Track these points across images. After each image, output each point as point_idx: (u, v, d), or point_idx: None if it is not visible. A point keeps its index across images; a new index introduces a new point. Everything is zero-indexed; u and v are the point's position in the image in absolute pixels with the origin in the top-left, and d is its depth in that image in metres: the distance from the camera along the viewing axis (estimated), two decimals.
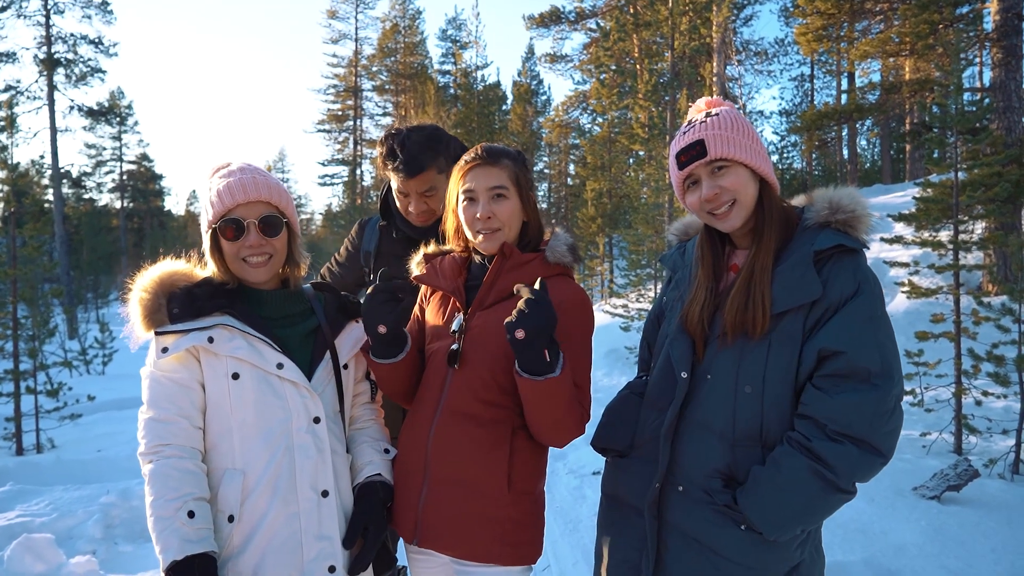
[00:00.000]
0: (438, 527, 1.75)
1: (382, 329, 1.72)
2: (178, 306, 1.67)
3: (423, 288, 2.03)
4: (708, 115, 1.67)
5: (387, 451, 1.92)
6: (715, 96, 1.82)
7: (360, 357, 1.93)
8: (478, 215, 1.80)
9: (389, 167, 2.25)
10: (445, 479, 1.76)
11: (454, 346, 1.80)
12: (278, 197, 1.76)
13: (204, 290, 1.71)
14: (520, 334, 1.53)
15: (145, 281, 1.72)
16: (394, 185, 2.29)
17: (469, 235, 1.86)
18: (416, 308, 2.02)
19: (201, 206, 1.80)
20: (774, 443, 1.59)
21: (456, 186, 1.86)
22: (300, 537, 1.66)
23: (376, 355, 1.81)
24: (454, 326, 1.81)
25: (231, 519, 1.64)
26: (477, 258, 1.91)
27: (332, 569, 1.69)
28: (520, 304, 1.56)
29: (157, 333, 1.66)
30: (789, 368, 1.57)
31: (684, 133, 1.68)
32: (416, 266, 1.98)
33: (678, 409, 1.68)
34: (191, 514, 1.54)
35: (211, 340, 1.66)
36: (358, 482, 1.82)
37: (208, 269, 1.80)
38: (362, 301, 1.78)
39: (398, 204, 2.33)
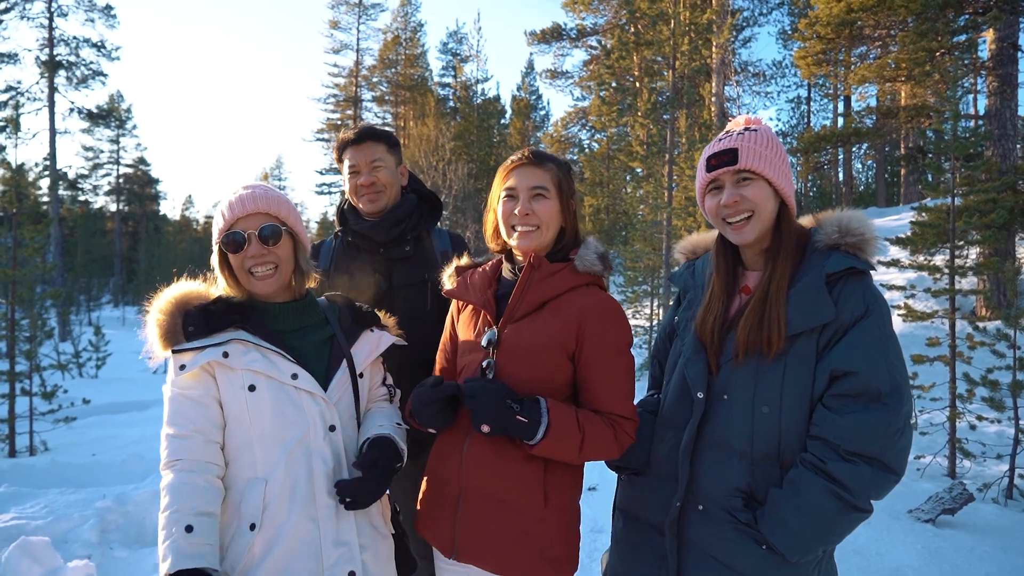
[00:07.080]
0: (477, 543, 1.77)
1: (432, 431, 1.86)
2: (193, 324, 1.72)
3: (454, 302, 2.03)
4: (747, 129, 1.71)
5: (399, 424, 1.92)
6: (721, 115, 1.86)
7: (376, 365, 1.97)
8: (516, 211, 1.82)
9: (344, 138, 2.50)
10: (482, 494, 1.77)
11: (486, 361, 1.80)
12: (277, 208, 1.80)
13: (218, 307, 1.76)
14: (485, 428, 1.68)
15: (161, 303, 1.77)
16: (347, 167, 2.49)
17: (504, 233, 1.87)
18: (448, 321, 2.04)
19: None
20: (791, 462, 1.61)
21: (499, 185, 1.88)
22: (319, 543, 1.70)
23: (424, 425, 1.86)
24: (484, 341, 1.82)
25: (252, 527, 1.67)
26: (507, 270, 1.91)
27: (352, 574, 1.72)
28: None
29: (174, 351, 1.71)
30: (804, 388, 1.59)
31: (719, 140, 1.72)
32: (448, 279, 2.00)
33: (695, 428, 1.70)
34: (189, 528, 1.57)
35: (226, 355, 1.71)
36: (368, 437, 1.80)
37: (221, 287, 1.85)
38: (412, 398, 1.82)
39: (349, 189, 2.51)
